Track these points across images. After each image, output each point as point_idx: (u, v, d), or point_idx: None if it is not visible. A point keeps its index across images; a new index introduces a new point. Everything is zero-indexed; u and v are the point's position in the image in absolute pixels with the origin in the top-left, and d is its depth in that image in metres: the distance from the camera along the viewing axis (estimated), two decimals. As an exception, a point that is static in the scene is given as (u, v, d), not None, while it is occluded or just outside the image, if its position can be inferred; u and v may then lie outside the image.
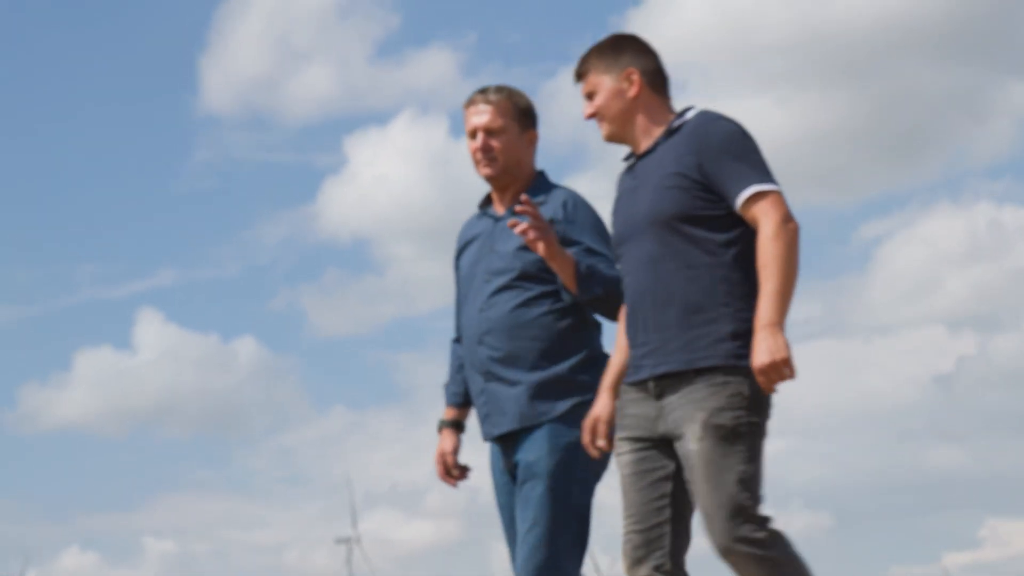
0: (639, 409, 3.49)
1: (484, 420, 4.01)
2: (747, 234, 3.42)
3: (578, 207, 4.03)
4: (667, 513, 3.46)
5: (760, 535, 3.31)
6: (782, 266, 3.31)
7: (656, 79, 3.61)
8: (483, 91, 4.09)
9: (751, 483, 3.34)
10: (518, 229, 3.68)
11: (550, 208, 3.99)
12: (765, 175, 3.41)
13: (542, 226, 3.70)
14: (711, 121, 3.49)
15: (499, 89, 4.09)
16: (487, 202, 4.17)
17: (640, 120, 3.58)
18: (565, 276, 3.81)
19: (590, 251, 3.91)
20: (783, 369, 3.25)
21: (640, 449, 3.49)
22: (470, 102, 4.10)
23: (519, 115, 4.09)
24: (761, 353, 3.25)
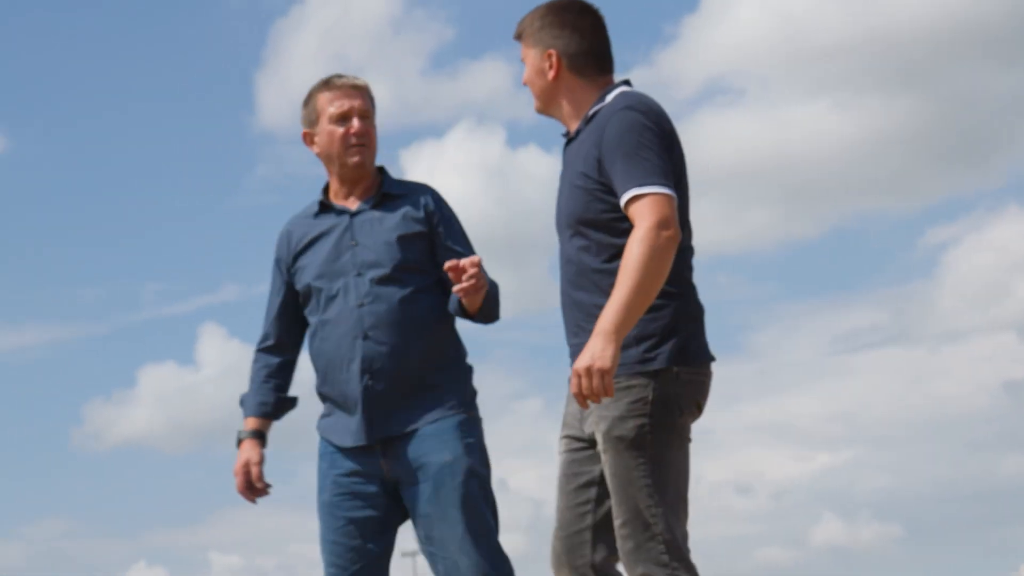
0: (572, 406, 3.37)
1: (369, 422, 3.70)
2: None
3: (442, 202, 3.87)
4: (588, 520, 3.32)
5: (665, 557, 3.15)
6: (637, 273, 3.05)
7: (580, 61, 3.38)
8: (342, 75, 3.86)
9: (661, 496, 3.16)
10: (462, 288, 3.49)
11: (419, 200, 3.82)
12: (651, 175, 3.14)
13: (482, 281, 3.55)
14: (615, 111, 3.25)
15: (356, 77, 3.87)
16: (326, 199, 3.89)
17: (563, 103, 3.40)
18: (474, 305, 3.64)
19: (460, 255, 3.72)
20: (598, 380, 3.02)
21: (574, 450, 3.36)
22: (334, 85, 3.83)
23: (374, 105, 3.90)
24: (583, 357, 3.04)
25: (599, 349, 3.02)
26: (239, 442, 3.87)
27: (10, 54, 12.17)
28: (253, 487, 3.84)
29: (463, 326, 3.88)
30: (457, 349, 3.84)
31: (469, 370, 3.86)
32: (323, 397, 3.85)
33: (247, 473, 3.83)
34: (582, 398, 3.07)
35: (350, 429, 3.75)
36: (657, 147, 3.19)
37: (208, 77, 12.08)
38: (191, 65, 12.13)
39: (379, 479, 3.74)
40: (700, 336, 3.29)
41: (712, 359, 3.29)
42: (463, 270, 3.50)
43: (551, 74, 3.38)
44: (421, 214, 3.81)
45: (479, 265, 3.52)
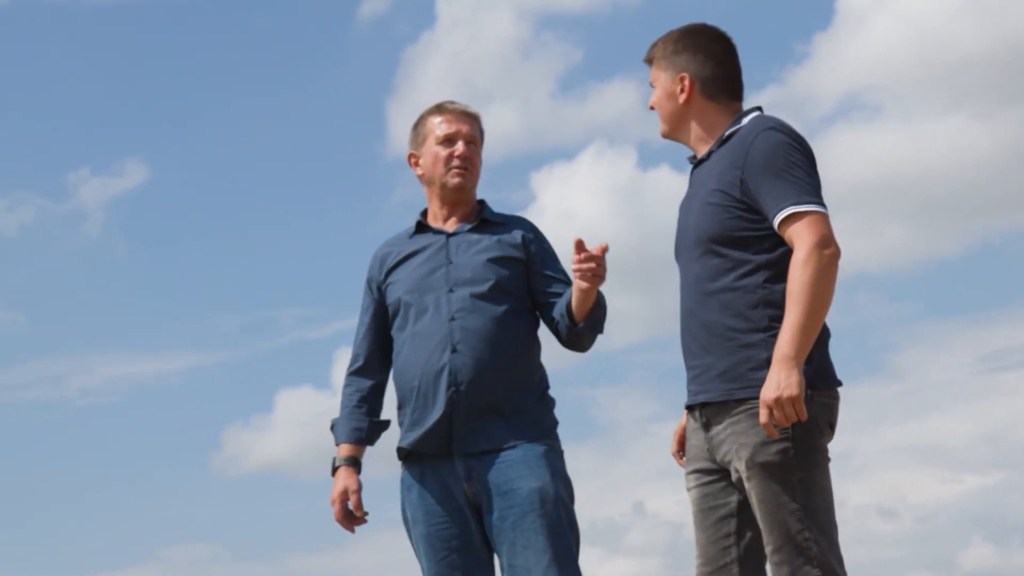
0: (696, 439, 3.33)
1: (450, 434, 3.67)
2: (791, 254, 3.16)
3: (540, 233, 3.88)
4: (733, 553, 3.28)
5: None
6: (806, 295, 3.05)
7: (712, 86, 3.38)
8: (455, 102, 3.90)
9: (812, 519, 3.12)
10: (585, 267, 3.46)
11: (517, 229, 3.83)
12: (806, 193, 3.14)
13: (603, 268, 3.52)
14: (758, 132, 3.23)
15: (468, 105, 3.90)
16: (423, 221, 3.92)
17: (693, 126, 3.39)
18: (584, 305, 3.60)
19: (560, 282, 3.76)
20: (789, 408, 3.01)
21: (705, 483, 3.31)
22: (445, 109, 3.87)
23: (483, 136, 3.92)
24: (769, 388, 3.02)
25: (783, 377, 3.01)
26: (334, 470, 3.85)
27: (148, 84, 12.46)
28: (352, 515, 3.82)
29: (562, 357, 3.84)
30: (542, 378, 3.80)
31: (553, 401, 3.81)
32: (403, 417, 3.81)
33: (345, 501, 3.81)
34: (772, 429, 3.05)
35: (433, 440, 3.70)
36: (806, 166, 3.19)
37: (341, 104, 12.21)
38: (324, 92, 12.26)
39: (466, 504, 3.70)
40: (829, 360, 3.25)
41: (839, 384, 3.26)
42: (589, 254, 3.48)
43: (682, 97, 3.38)
44: (518, 240, 3.82)
45: (606, 251, 3.49)
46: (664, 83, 3.40)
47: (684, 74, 3.37)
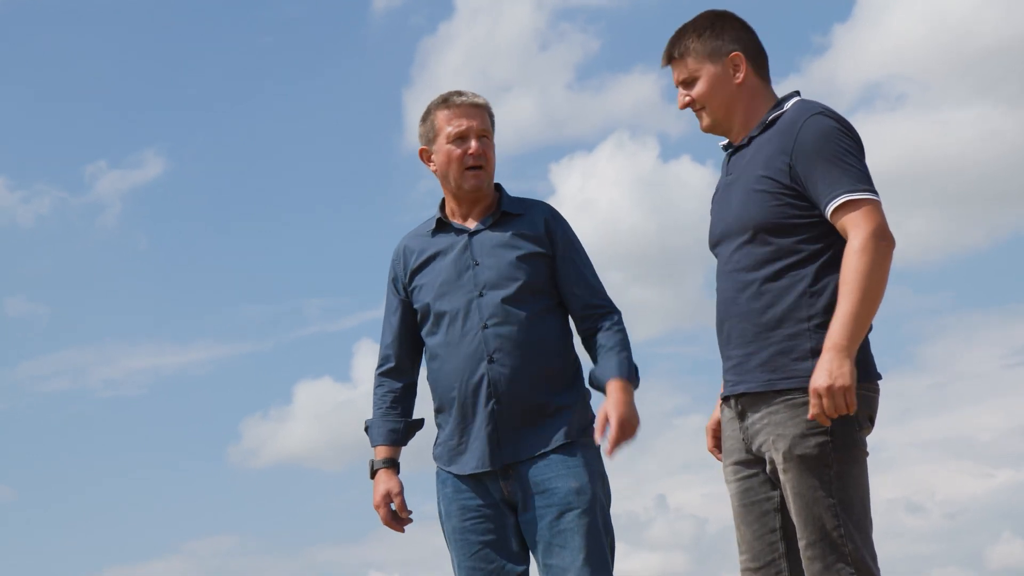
0: (731, 430, 3.27)
1: (494, 447, 3.63)
2: (838, 243, 3.10)
3: (560, 223, 3.77)
4: (781, 548, 3.23)
5: None
6: (862, 285, 2.98)
7: (759, 59, 3.31)
8: (462, 93, 3.77)
9: (847, 515, 3.07)
10: (610, 450, 3.49)
11: (538, 219, 3.74)
12: (859, 181, 3.07)
13: (629, 434, 3.53)
14: (807, 117, 3.15)
15: (475, 94, 3.78)
16: (443, 218, 3.82)
17: (742, 108, 3.29)
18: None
19: (581, 275, 3.71)
20: (840, 398, 2.95)
21: (745, 477, 3.25)
22: (452, 104, 3.75)
23: (494, 123, 3.82)
24: (819, 376, 2.96)
25: (836, 366, 2.95)
26: (373, 472, 3.83)
27: (165, 77, 12.46)
28: (398, 517, 3.79)
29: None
30: (577, 371, 3.75)
31: (589, 393, 3.76)
32: (441, 422, 3.78)
33: (389, 504, 3.78)
34: (824, 418, 2.99)
35: (474, 455, 3.68)
36: (857, 153, 3.12)
37: (359, 95, 12.18)
38: (342, 83, 12.23)
39: (502, 501, 3.67)
40: (869, 352, 3.19)
41: (879, 376, 3.19)
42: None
43: (739, 77, 3.29)
44: (540, 231, 3.74)
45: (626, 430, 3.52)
46: (712, 70, 3.29)
47: (737, 52, 3.29)
